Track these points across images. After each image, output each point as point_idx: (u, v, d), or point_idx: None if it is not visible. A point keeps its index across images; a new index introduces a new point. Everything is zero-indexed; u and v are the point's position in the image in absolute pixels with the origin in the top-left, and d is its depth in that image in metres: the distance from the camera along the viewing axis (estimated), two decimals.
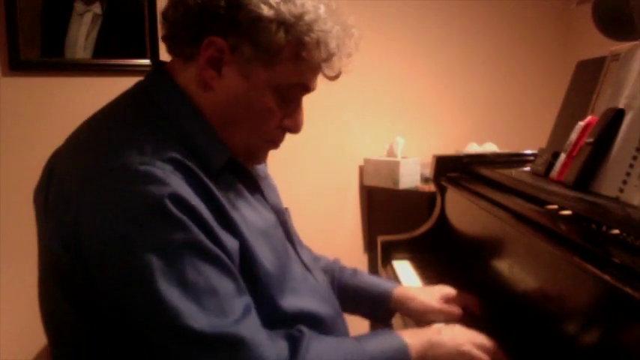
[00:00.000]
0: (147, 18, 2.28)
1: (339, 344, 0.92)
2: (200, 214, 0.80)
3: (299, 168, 2.58)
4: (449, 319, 1.20)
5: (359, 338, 0.95)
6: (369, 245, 2.69)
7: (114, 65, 2.27)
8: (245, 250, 0.88)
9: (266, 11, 0.86)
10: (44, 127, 2.15)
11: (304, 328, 0.89)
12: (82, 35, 2.23)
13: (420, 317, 1.22)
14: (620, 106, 1.17)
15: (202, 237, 0.80)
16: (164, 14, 0.93)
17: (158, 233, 0.77)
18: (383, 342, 0.95)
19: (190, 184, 0.81)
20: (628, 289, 0.74)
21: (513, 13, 2.88)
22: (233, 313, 0.80)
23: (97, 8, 2.24)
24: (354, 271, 1.30)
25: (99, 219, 0.78)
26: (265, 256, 0.91)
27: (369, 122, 2.72)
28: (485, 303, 1.24)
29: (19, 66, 2.14)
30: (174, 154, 0.82)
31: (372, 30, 2.62)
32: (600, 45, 1.48)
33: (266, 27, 0.86)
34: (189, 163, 0.83)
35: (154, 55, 2.28)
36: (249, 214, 0.93)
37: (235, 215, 0.88)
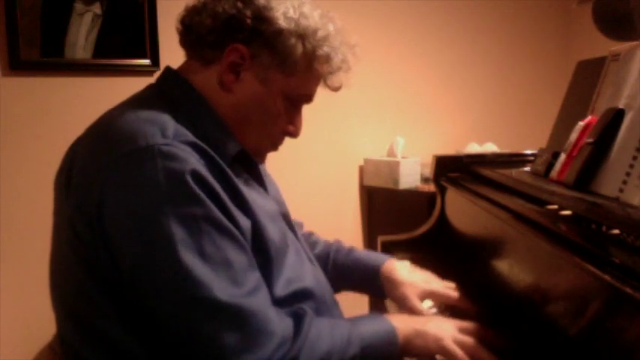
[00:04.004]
0: (147, 18, 2.27)
1: (335, 324, 0.97)
2: (217, 192, 0.87)
3: (299, 168, 2.58)
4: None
5: (352, 320, 1.01)
6: (369, 245, 2.69)
7: (114, 65, 2.27)
8: (257, 229, 0.94)
9: (287, 24, 0.95)
10: (44, 127, 2.15)
11: (307, 308, 0.95)
12: (82, 35, 2.23)
13: (399, 307, 1.25)
14: (620, 106, 1.17)
15: (219, 213, 0.85)
16: (183, 20, 1.00)
17: (179, 206, 0.83)
18: (374, 324, 1.00)
19: (207, 166, 0.87)
20: (628, 289, 0.74)
21: (513, 13, 2.89)
22: (246, 285, 0.86)
23: (96, 8, 2.24)
24: (349, 250, 1.34)
25: (123, 194, 0.84)
26: (274, 235, 0.98)
27: (369, 122, 2.72)
28: (485, 303, 1.24)
29: (19, 66, 2.14)
30: (193, 138, 0.89)
31: (373, 30, 2.62)
32: (600, 45, 1.48)
33: (286, 39, 0.95)
34: (206, 147, 0.89)
35: (154, 55, 2.28)
36: (257, 198, 1.00)
37: (248, 196, 0.94)
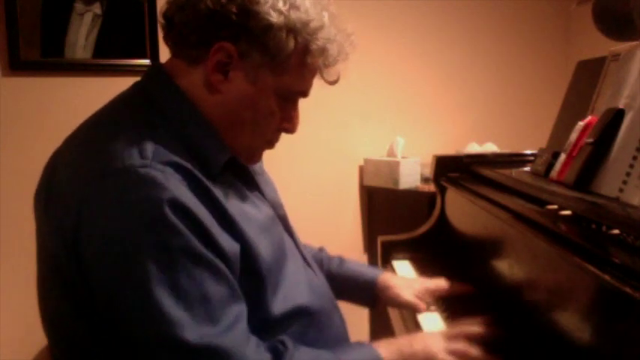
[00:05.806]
0: (147, 18, 2.27)
1: (318, 356, 0.92)
2: (198, 219, 0.81)
3: (299, 168, 2.58)
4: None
5: (336, 351, 0.95)
6: (369, 245, 2.69)
7: (114, 65, 2.27)
8: (246, 249, 0.89)
9: (276, 18, 0.87)
10: (44, 127, 2.15)
11: (288, 341, 0.90)
12: (82, 35, 2.23)
13: (394, 306, 1.29)
14: (620, 106, 1.17)
15: (198, 243, 0.80)
16: (165, 15, 0.93)
17: (155, 238, 0.78)
18: (359, 354, 0.96)
19: (190, 187, 0.82)
20: (628, 289, 0.74)
21: (513, 14, 2.88)
22: (223, 321, 0.81)
23: (97, 8, 2.24)
24: (341, 260, 1.33)
25: (99, 221, 0.79)
26: (266, 251, 0.93)
27: (369, 122, 2.72)
28: (485, 303, 1.24)
29: (19, 66, 2.14)
30: (174, 157, 0.83)
31: (373, 29, 2.61)
32: (600, 45, 1.48)
33: (276, 34, 0.88)
34: (188, 166, 0.84)
35: (154, 55, 2.28)
36: (249, 210, 0.95)
37: (235, 214, 0.89)
